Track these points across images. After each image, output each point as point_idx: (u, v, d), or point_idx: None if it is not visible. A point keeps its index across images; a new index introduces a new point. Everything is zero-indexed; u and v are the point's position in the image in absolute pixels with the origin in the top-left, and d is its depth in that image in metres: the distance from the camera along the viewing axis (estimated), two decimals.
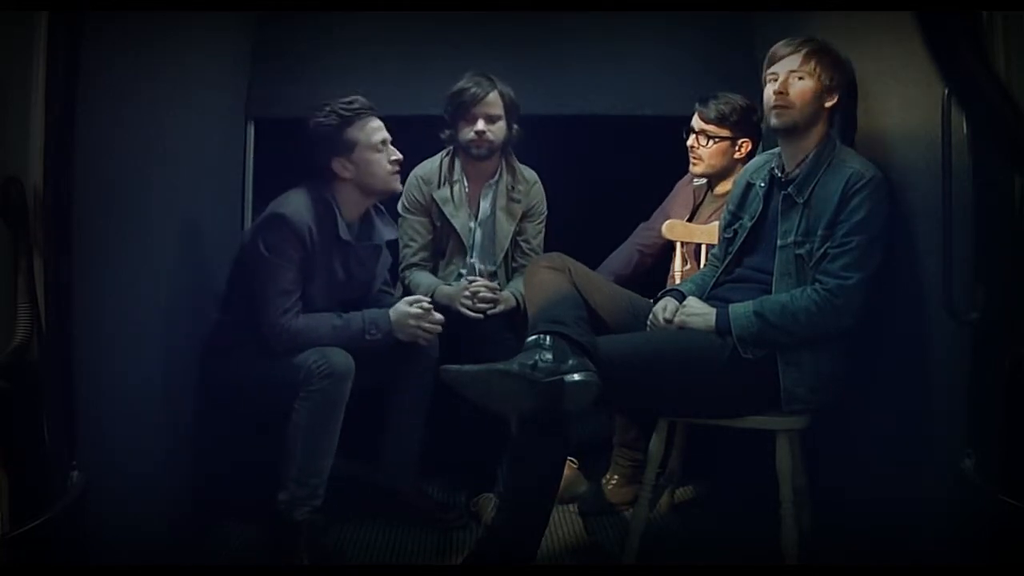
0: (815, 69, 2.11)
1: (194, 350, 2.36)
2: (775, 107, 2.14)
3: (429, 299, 2.46)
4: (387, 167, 2.39)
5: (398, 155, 2.41)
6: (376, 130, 2.38)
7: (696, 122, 2.66)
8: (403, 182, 2.53)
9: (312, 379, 2.20)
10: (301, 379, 2.21)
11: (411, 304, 2.38)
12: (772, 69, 2.16)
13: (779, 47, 2.15)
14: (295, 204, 2.32)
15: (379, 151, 2.37)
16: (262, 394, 2.29)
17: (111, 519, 1.70)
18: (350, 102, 2.35)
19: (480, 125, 2.67)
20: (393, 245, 2.78)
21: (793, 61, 2.13)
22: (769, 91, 2.15)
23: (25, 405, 1.39)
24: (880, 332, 2.11)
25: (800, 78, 2.12)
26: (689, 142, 2.68)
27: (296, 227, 2.28)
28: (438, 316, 2.41)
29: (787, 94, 2.12)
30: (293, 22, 3.00)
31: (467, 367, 2.02)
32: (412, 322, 2.36)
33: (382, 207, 2.53)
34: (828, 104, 2.13)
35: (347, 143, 2.35)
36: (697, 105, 2.66)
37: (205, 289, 2.48)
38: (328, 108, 2.35)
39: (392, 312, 2.37)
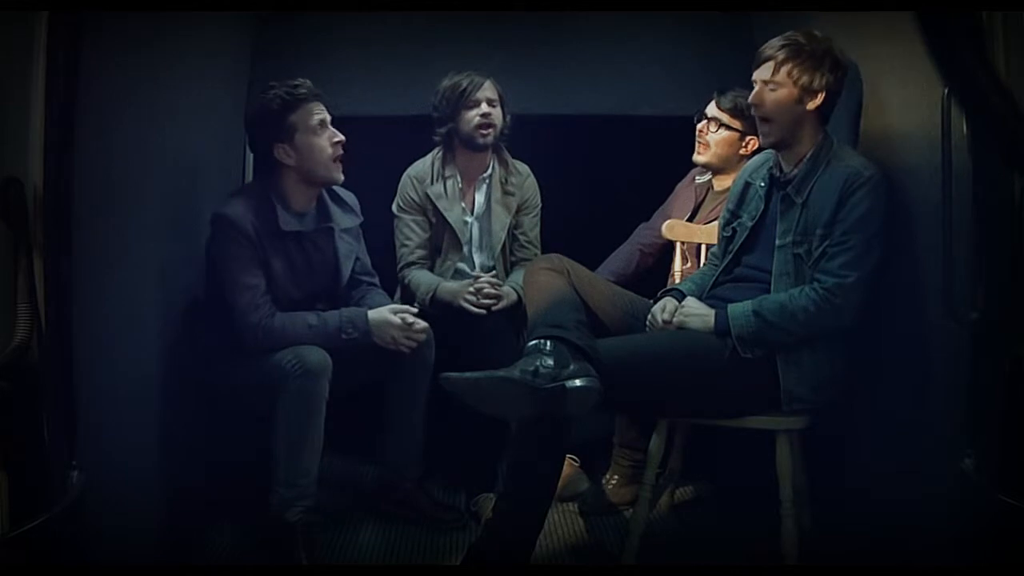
0: (789, 76, 2.09)
1: (193, 351, 2.36)
2: (758, 119, 2.15)
3: (414, 308, 2.43)
4: (328, 151, 2.35)
5: (339, 136, 2.38)
6: (314, 112, 2.34)
7: (711, 108, 2.68)
8: (345, 170, 2.44)
9: (288, 379, 2.20)
10: (277, 379, 2.20)
11: (395, 313, 2.37)
12: (754, 74, 2.15)
13: (763, 49, 2.14)
14: (237, 202, 2.34)
15: (317, 134, 2.34)
16: (245, 396, 2.29)
17: (111, 519, 1.70)
18: (296, 86, 2.33)
19: (485, 107, 2.69)
20: (385, 239, 2.78)
21: (766, 71, 2.12)
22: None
23: (25, 405, 1.39)
24: (880, 332, 2.11)
25: (773, 89, 2.12)
26: (699, 127, 2.70)
27: (238, 224, 2.28)
28: (421, 325, 2.39)
29: (763, 105, 2.13)
30: (293, 22, 3.00)
31: (467, 374, 2.00)
32: (394, 331, 2.35)
33: (339, 194, 2.50)
34: (811, 106, 2.10)
35: (288, 128, 2.33)
36: (716, 94, 2.68)
37: (204, 289, 2.48)
38: (273, 92, 2.33)
39: (373, 314, 2.36)
